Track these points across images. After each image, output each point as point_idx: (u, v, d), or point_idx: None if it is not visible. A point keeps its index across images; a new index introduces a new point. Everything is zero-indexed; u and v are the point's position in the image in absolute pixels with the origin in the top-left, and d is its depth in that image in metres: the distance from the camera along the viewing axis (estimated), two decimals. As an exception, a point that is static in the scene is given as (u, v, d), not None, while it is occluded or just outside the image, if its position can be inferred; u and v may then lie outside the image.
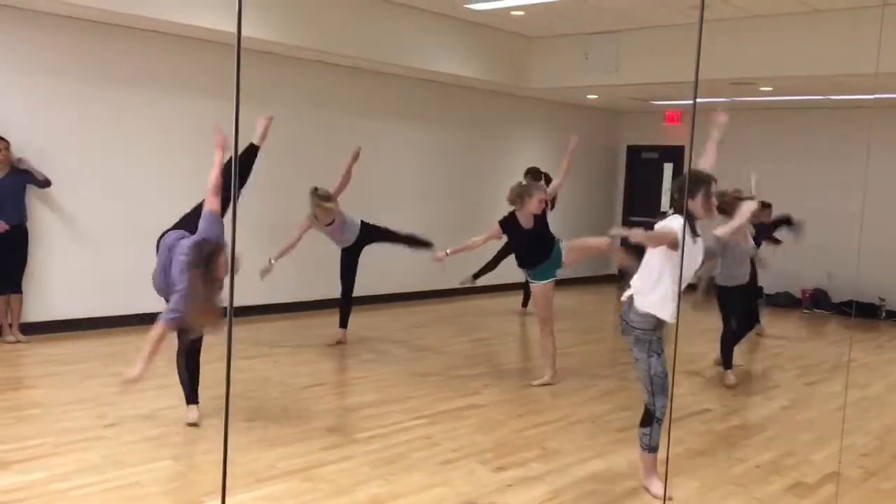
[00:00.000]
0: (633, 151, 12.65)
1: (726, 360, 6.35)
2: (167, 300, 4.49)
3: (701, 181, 3.80)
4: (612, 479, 4.09)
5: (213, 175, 4.46)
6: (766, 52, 7.97)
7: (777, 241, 8.33)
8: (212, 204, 4.39)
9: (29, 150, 6.45)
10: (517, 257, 6.01)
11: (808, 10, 7.58)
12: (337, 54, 8.02)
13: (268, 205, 7.55)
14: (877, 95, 9.19)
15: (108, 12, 6.37)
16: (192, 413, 4.59)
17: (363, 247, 6.89)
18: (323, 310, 7.93)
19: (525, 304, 8.99)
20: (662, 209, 10.93)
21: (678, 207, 3.83)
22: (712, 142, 4.22)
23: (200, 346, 4.61)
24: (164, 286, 4.38)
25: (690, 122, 12.00)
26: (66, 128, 6.74)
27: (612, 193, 12.76)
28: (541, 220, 5.90)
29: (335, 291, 7.05)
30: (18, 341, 6.35)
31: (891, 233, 9.66)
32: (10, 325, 6.39)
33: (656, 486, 3.88)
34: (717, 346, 6.59)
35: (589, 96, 10.87)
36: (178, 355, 4.63)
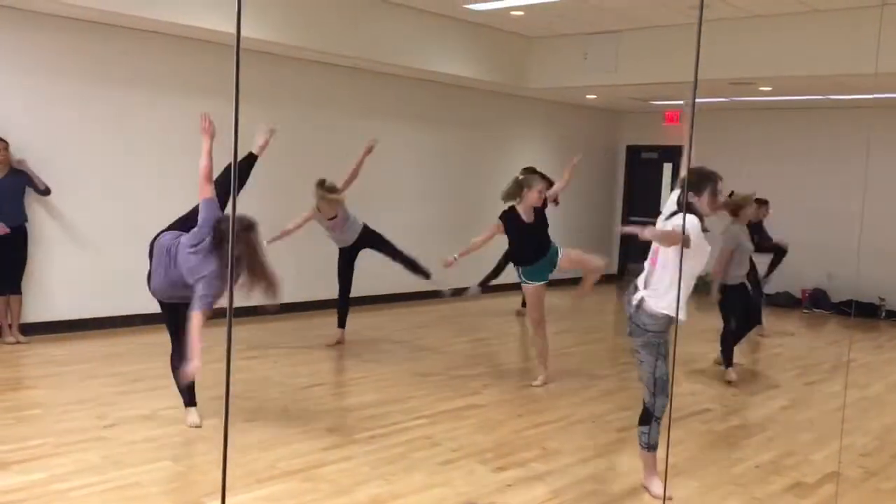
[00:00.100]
0: (633, 151, 12.66)
1: (727, 359, 6.37)
2: (162, 300, 4.47)
3: (708, 178, 3.78)
4: (612, 479, 4.10)
5: (203, 163, 4.42)
6: (766, 51, 7.97)
7: (767, 250, 8.36)
8: (206, 192, 4.38)
9: (29, 150, 6.45)
10: (517, 253, 5.94)
11: (808, 9, 7.58)
12: (336, 54, 8.02)
13: (267, 205, 7.49)
14: (876, 95, 9.19)
15: (107, 13, 6.37)
16: (192, 416, 4.58)
17: (361, 249, 6.89)
18: (323, 310, 7.92)
19: (525, 304, 8.98)
20: (662, 209, 10.92)
21: (681, 202, 3.78)
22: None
23: None
24: (165, 286, 4.36)
25: (689, 122, 12.01)
26: (65, 128, 6.74)
27: (612, 193, 12.77)
28: (541, 214, 5.90)
29: (335, 292, 7.04)
30: (18, 342, 6.35)
31: (890, 233, 9.66)
32: (10, 326, 6.39)
33: (656, 486, 3.88)
34: (717, 345, 6.61)
35: (588, 96, 10.87)
36: (172, 360, 4.62)
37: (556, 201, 7.13)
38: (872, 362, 7.46)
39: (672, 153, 11.96)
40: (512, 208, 5.85)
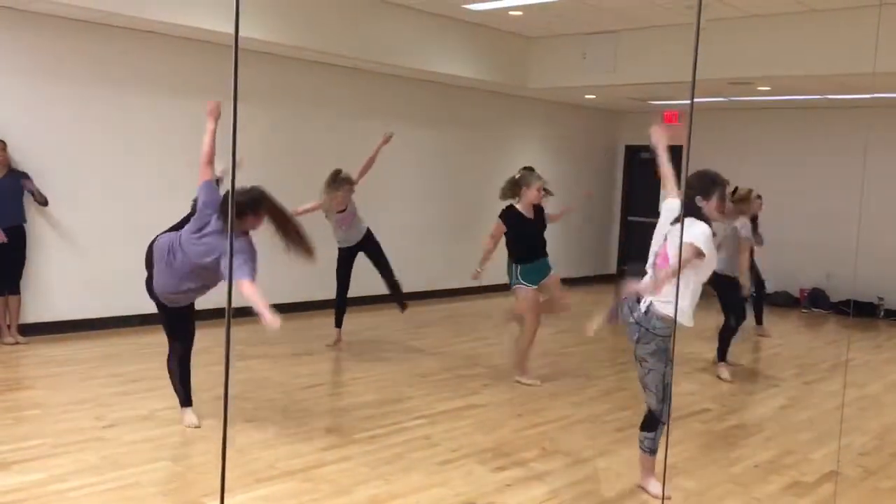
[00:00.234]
0: (632, 151, 12.67)
1: (720, 352, 6.41)
2: (162, 302, 4.45)
3: (717, 183, 3.75)
4: (612, 479, 4.10)
5: (205, 143, 4.42)
6: (764, 51, 7.98)
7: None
8: (206, 174, 4.39)
9: (28, 151, 6.45)
10: (518, 250, 5.88)
11: (806, 9, 7.59)
12: (336, 55, 8.02)
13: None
14: (874, 95, 9.21)
15: (106, 13, 6.37)
16: (189, 416, 4.58)
17: (360, 251, 6.88)
18: (322, 310, 7.92)
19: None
20: (661, 209, 10.93)
21: (690, 207, 3.72)
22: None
23: (191, 350, 4.61)
24: (171, 282, 4.31)
25: (688, 122, 12.01)
26: (65, 129, 6.74)
27: (611, 193, 12.77)
28: (541, 212, 5.90)
29: (334, 292, 7.04)
30: (17, 342, 6.34)
31: (889, 232, 9.67)
32: (9, 327, 6.39)
33: (654, 486, 3.88)
34: (715, 345, 6.61)
35: (587, 96, 10.87)
36: (169, 361, 4.62)
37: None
38: (871, 361, 7.47)
39: (671, 153, 11.97)
40: (511, 206, 5.85)
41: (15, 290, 6.41)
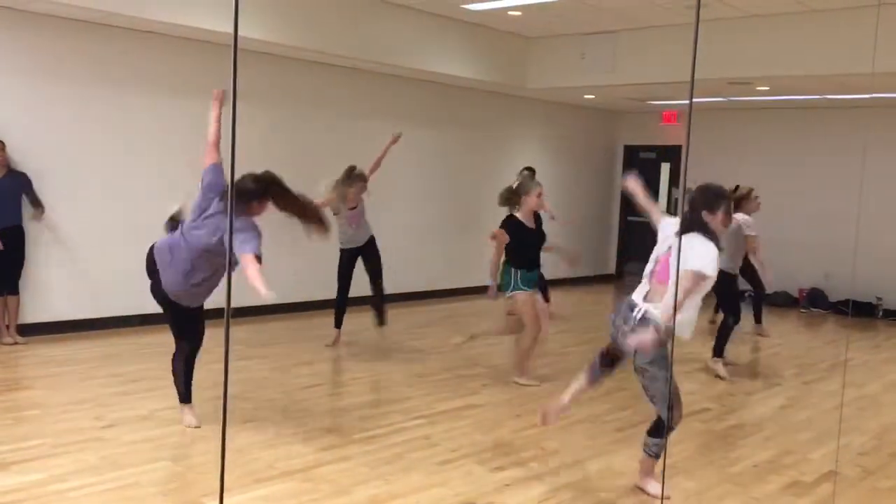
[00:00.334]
0: (631, 151, 12.66)
1: (717, 348, 6.42)
2: (169, 300, 4.44)
3: (722, 197, 3.75)
4: (611, 479, 4.10)
5: (211, 128, 4.49)
6: (763, 51, 7.99)
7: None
8: (212, 157, 4.43)
9: (27, 151, 6.45)
10: (521, 258, 5.85)
11: (805, 9, 7.59)
12: (335, 55, 8.02)
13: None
14: (873, 95, 9.22)
15: (106, 14, 6.37)
16: (188, 416, 4.57)
17: (360, 254, 6.87)
18: (322, 310, 7.92)
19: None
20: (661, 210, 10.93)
21: (695, 222, 3.68)
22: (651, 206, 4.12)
23: (198, 350, 4.61)
24: (178, 276, 4.29)
25: (687, 122, 12.02)
26: (64, 129, 6.74)
27: (610, 193, 12.77)
28: (538, 219, 5.91)
29: (334, 292, 7.03)
30: (16, 342, 6.34)
31: (888, 232, 9.68)
32: (8, 327, 6.39)
33: (653, 487, 3.88)
34: (712, 344, 6.62)
35: (586, 96, 10.87)
36: (175, 361, 4.62)
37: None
38: (870, 361, 7.48)
39: (670, 153, 12.00)
40: (512, 216, 5.84)
41: (14, 290, 6.41)
